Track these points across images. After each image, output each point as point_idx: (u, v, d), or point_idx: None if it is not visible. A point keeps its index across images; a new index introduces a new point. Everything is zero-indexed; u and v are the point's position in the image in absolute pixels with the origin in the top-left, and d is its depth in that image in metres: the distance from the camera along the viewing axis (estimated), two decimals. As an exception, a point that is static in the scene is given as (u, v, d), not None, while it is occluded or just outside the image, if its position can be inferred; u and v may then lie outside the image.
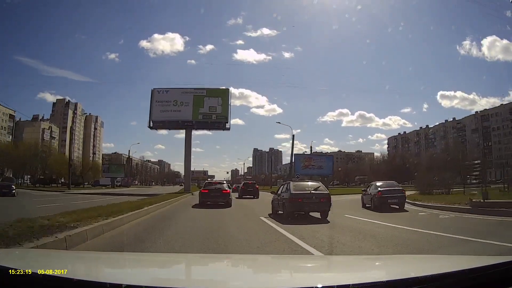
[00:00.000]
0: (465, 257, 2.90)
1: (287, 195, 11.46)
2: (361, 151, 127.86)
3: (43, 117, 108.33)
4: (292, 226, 9.10)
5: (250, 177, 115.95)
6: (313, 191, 11.51)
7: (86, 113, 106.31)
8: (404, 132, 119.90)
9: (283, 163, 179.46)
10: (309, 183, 12.90)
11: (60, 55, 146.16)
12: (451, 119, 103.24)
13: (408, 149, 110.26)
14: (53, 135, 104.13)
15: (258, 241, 6.94)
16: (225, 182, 20.89)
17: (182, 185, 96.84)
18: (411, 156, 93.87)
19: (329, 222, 10.27)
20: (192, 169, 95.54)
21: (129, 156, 77.67)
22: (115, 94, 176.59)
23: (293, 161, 47.90)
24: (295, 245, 6.33)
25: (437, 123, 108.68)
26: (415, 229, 8.70)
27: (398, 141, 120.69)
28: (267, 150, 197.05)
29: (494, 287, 1.56)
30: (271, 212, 12.95)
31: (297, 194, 11.24)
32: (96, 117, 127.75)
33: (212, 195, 17.17)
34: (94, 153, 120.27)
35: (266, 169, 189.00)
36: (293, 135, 51.93)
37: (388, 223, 10.07)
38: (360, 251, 6.01)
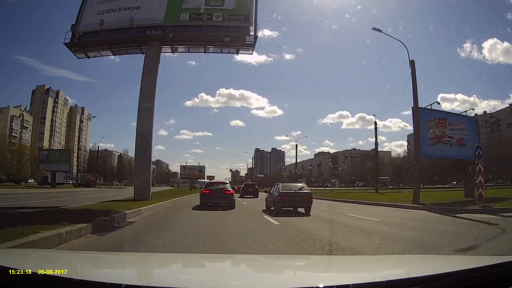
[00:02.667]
0: (465, 257, 3.09)
1: (277, 193, 15.17)
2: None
3: (26, 107, 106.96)
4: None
5: (262, 175, 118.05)
6: (298, 191, 15.21)
7: (70, 103, 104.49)
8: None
9: (285, 164, 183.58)
10: (296, 184, 17.16)
11: (60, 54, 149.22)
12: (482, 113, 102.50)
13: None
14: (25, 125, 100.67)
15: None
16: (228, 182, 22.10)
17: (173, 186, 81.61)
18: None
19: (310, 215, 13.69)
20: (184, 163, 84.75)
21: (79, 138, 66.34)
22: (115, 94, 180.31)
23: (417, 124, 21.45)
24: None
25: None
26: None
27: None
28: (269, 150, 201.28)
29: (493, 287, 1.70)
30: (265, 208, 16.58)
31: (285, 193, 14.95)
32: (83, 109, 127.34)
33: (214, 196, 17.64)
34: (79, 149, 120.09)
35: (269, 169, 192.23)
36: (412, 61, 21.12)
37: None
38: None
